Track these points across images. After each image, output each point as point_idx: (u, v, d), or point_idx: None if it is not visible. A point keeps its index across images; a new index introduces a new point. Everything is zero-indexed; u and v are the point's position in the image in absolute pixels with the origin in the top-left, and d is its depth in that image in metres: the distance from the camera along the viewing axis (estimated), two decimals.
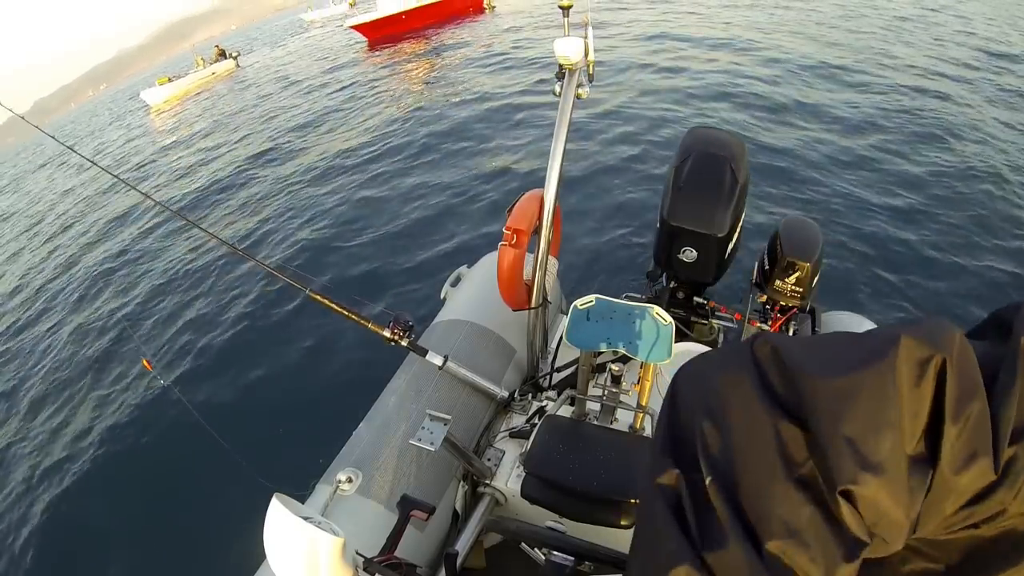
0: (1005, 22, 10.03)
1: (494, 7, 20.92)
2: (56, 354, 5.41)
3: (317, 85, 14.08)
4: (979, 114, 6.80)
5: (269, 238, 6.32)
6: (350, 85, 13.08)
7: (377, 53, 17.28)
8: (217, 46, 26.06)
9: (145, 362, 3.86)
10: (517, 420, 2.00)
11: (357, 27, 20.22)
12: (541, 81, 9.65)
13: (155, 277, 6.17)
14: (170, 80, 22.67)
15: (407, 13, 19.95)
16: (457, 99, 9.79)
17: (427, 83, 12.10)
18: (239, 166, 9.29)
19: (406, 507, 1.26)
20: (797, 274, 1.94)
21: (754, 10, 12.63)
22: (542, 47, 12.33)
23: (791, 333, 2.10)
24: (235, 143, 11.01)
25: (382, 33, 19.61)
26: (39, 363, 5.38)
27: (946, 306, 3.93)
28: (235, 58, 25.06)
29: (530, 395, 2.10)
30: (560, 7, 1.56)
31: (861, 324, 2.21)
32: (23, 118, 1.94)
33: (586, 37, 1.61)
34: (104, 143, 18.29)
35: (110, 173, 2.10)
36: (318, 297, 1.70)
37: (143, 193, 2.06)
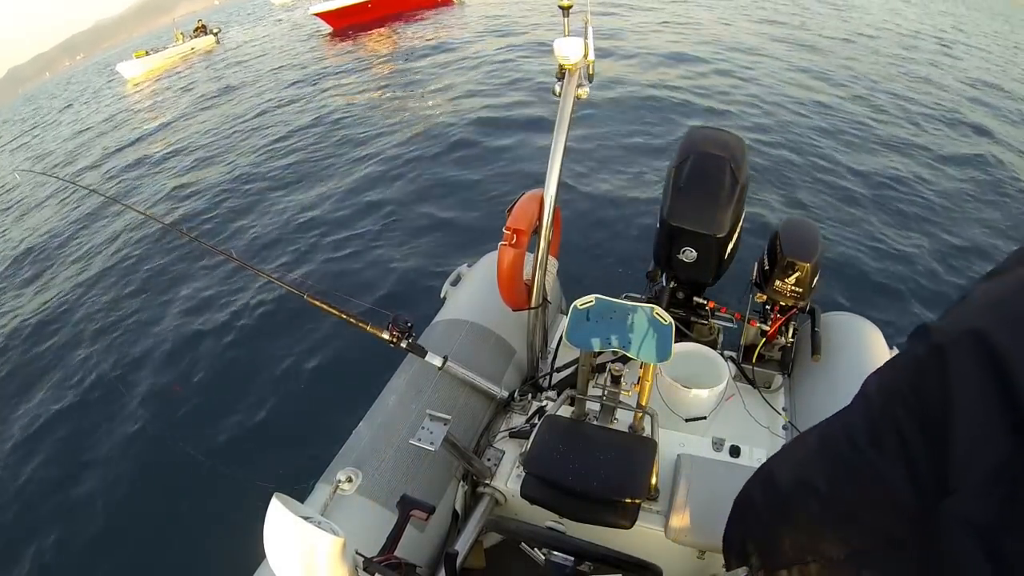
0: None
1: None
2: (50, 356, 5.38)
3: (289, 74, 13.72)
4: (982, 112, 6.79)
5: (254, 237, 6.13)
6: (320, 76, 12.70)
7: (341, 42, 16.77)
8: (200, 20, 25.41)
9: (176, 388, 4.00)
10: (517, 420, 2.00)
11: (321, 14, 19.20)
12: (514, 77, 9.49)
13: (145, 283, 5.88)
14: (147, 54, 22.23)
15: (373, 1, 18.80)
16: (433, 94, 9.58)
17: (393, 76, 11.83)
18: (217, 160, 8.90)
19: (406, 507, 1.26)
20: (797, 274, 1.94)
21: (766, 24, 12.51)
22: (510, 41, 12.13)
23: (791, 333, 2.10)
24: (206, 132, 10.52)
25: (346, 22, 18.87)
26: (45, 371, 5.32)
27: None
28: (216, 34, 24.39)
29: (530, 395, 2.10)
30: (560, 7, 1.56)
31: (861, 325, 2.20)
32: None
33: (586, 37, 1.61)
34: (78, 116, 17.75)
35: (100, 193, 2.09)
36: (316, 302, 1.69)
37: (138, 211, 2.05)
